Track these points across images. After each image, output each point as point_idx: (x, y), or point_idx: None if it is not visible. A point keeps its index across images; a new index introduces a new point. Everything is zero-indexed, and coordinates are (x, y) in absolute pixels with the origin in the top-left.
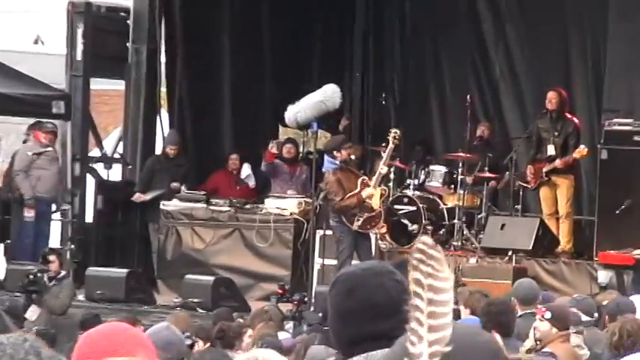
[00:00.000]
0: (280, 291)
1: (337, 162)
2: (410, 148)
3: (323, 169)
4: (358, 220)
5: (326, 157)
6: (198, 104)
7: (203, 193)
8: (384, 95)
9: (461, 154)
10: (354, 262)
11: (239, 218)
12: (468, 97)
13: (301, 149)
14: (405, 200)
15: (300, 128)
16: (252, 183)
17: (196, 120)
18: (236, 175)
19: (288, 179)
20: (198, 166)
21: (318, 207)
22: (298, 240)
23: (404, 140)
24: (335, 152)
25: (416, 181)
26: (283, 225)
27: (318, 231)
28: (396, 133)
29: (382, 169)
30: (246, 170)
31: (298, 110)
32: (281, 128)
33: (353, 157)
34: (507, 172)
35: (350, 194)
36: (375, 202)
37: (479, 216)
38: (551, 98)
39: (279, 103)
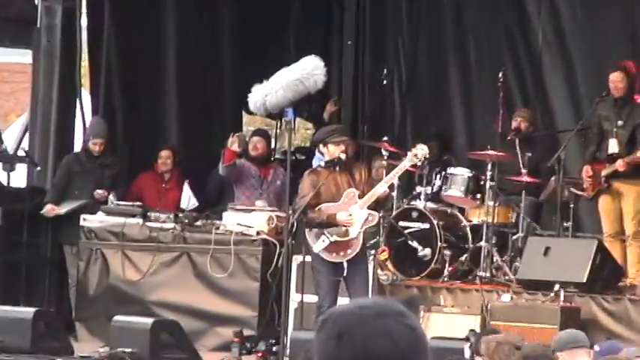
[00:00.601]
0: (236, 339)
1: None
2: (420, 142)
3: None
4: (324, 241)
5: (317, 153)
6: (132, 84)
7: (139, 204)
8: (385, 72)
9: (490, 152)
10: (343, 299)
11: (187, 239)
12: (501, 74)
13: (275, 145)
14: (415, 215)
15: (270, 117)
16: (192, 203)
17: (130, 105)
18: (172, 180)
19: (257, 185)
20: (133, 167)
21: (296, 224)
22: (268, 269)
23: (412, 132)
24: (321, 146)
25: (429, 189)
26: (248, 248)
27: (295, 256)
28: (422, 150)
29: (380, 187)
30: (186, 194)
31: (268, 92)
32: (245, 117)
33: (344, 155)
34: (553, 177)
35: (321, 207)
36: (354, 229)
37: (514, 237)
38: (616, 81)
39: (243, 82)
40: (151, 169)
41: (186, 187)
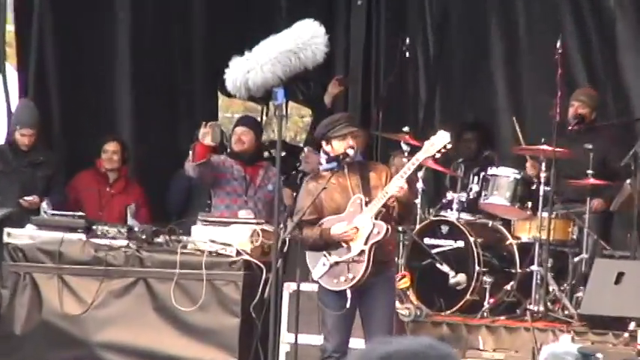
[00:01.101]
0: None
1: (329, 161)
2: (454, 136)
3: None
4: (324, 264)
5: (321, 153)
6: (72, 57)
7: (81, 214)
8: (407, 42)
9: (545, 146)
10: (356, 340)
11: (145, 260)
12: (559, 44)
13: (267, 136)
14: (445, 229)
15: (254, 100)
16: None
17: (69, 85)
18: (119, 182)
19: (241, 191)
20: (73, 167)
21: (287, 242)
22: (251, 300)
23: (441, 120)
24: (324, 144)
25: (464, 196)
26: (225, 273)
27: (287, 284)
28: (442, 139)
29: (389, 189)
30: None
31: (251, 68)
32: (222, 100)
33: (352, 151)
34: (628, 180)
35: (323, 221)
36: (356, 245)
37: (576, 259)
38: None
39: (218, 54)
40: (92, 166)
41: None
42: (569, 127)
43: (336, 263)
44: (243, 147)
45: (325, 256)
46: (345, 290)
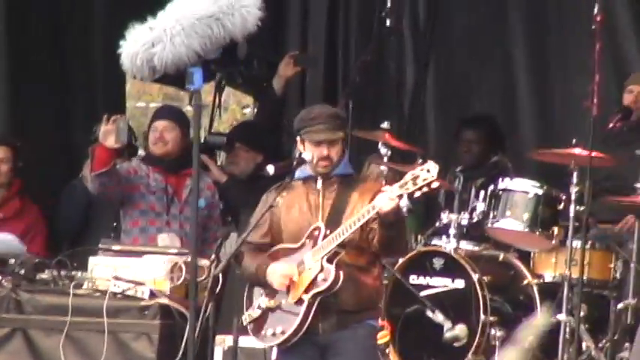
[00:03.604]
0: None
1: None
2: (449, 135)
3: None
4: (259, 306)
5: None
6: None
7: None
8: (388, 5)
9: (577, 150)
10: None
11: (24, 305)
12: (596, 10)
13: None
14: (438, 264)
15: (161, 82)
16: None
17: None
18: (11, 203)
19: (162, 208)
20: None
21: (221, 277)
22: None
23: (436, 113)
24: (298, 140)
25: (465, 218)
26: (135, 323)
27: (221, 338)
28: (428, 172)
29: (346, 229)
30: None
31: (156, 39)
32: (130, 83)
33: (324, 164)
34: None
35: (276, 248)
36: (297, 290)
37: (619, 305)
38: None
39: (117, 24)
40: None
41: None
42: (611, 125)
43: (270, 309)
44: (165, 148)
45: (262, 295)
46: (307, 348)
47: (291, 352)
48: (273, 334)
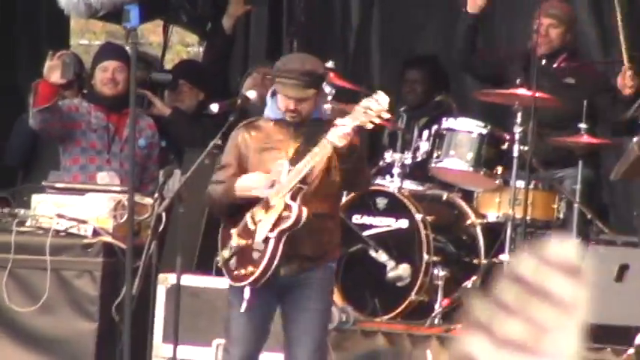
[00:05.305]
0: None
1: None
2: (394, 75)
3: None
4: (231, 248)
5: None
6: None
7: None
8: None
9: (521, 90)
10: (271, 356)
11: None
12: None
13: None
14: (381, 204)
15: (99, 18)
16: None
17: None
18: None
19: (102, 146)
20: None
21: (164, 216)
22: (114, 299)
23: (381, 50)
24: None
25: (408, 158)
26: (78, 260)
27: (163, 276)
28: (378, 104)
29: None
30: None
31: None
32: (75, 20)
33: (291, 116)
34: (635, 139)
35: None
36: (263, 227)
37: None
38: None
39: None
40: None
41: None
42: (555, 65)
43: (240, 249)
44: (116, 89)
45: (231, 236)
46: (268, 290)
47: (253, 293)
48: (245, 275)
